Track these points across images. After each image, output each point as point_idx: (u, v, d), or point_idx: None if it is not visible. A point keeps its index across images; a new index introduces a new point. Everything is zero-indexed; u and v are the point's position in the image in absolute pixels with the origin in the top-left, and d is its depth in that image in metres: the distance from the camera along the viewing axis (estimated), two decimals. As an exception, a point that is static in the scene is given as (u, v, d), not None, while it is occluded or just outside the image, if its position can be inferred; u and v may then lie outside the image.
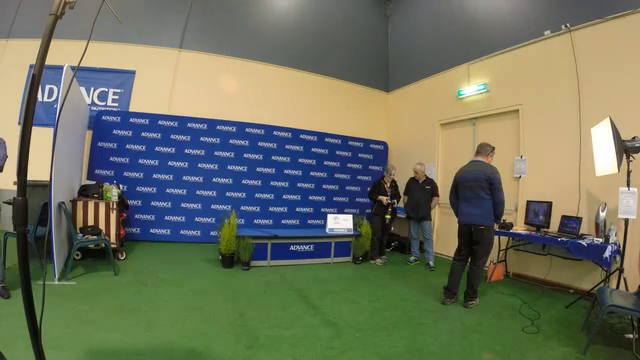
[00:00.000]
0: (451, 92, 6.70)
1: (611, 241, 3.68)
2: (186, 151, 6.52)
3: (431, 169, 7.11)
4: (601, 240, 3.74)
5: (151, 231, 6.26)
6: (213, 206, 6.60)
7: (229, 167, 6.78)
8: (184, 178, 6.49)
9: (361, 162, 8.02)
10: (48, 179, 3.53)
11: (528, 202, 4.94)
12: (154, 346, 2.49)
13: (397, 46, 8.62)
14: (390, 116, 8.74)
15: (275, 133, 7.19)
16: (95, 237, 4.24)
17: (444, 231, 6.82)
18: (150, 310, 3.14)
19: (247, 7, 7.40)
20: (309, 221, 7.35)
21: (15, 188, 1.19)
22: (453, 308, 3.74)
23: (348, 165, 7.86)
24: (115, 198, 4.83)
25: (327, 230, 5.65)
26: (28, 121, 1.17)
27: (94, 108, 6.24)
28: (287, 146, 7.28)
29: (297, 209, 7.31)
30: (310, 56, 7.93)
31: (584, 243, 3.75)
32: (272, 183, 7.11)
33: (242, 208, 6.71)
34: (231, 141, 6.82)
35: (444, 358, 2.60)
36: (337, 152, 7.78)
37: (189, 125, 6.56)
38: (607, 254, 3.54)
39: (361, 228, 5.69)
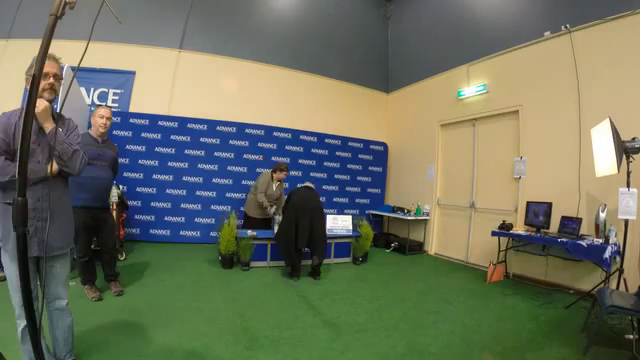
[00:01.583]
0: (451, 93, 6.71)
1: (611, 242, 3.68)
2: (186, 152, 6.51)
3: (431, 169, 7.12)
4: (601, 241, 3.74)
5: (151, 232, 6.25)
6: (213, 207, 6.59)
7: (229, 168, 6.78)
8: (184, 179, 6.49)
9: (361, 163, 8.02)
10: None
11: (528, 203, 4.94)
12: (154, 346, 2.49)
13: (397, 47, 8.63)
14: (390, 117, 8.75)
15: (275, 134, 7.19)
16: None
17: (443, 231, 6.83)
18: (150, 311, 3.14)
19: (247, 8, 7.40)
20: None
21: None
22: (453, 309, 3.74)
23: (348, 166, 7.86)
24: (115, 199, 4.83)
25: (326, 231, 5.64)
26: (28, 121, 1.17)
27: (94, 109, 6.22)
28: (287, 147, 7.28)
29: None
30: (310, 57, 7.94)
31: (584, 244, 3.75)
32: (272, 184, 7.10)
33: (242, 209, 6.69)
34: (231, 142, 6.82)
35: (444, 359, 2.60)
36: (337, 153, 7.78)
37: (189, 126, 6.56)
38: (607, 255, 3.54)
39: (361, 229, 5.68)
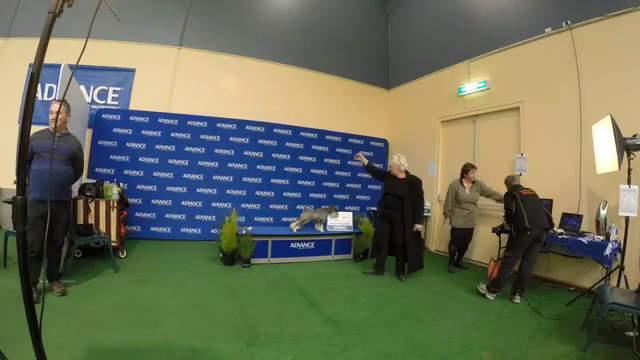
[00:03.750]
0: (451, 89, 6.69)
1: (612, 239, 3.68)
2: (186, 149, 6.51)
3: (432, 166, 7.11)
4: (602, 238, 3.74)
5: (152, 229, 6.26)
6: (213, 204, 6.60)
7: (229, 165, 6.78)
8: (184, 176, 6.49)
9: (361, 159, 8.01)
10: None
11: (529, 199, 4.93)
12: (155, 344, 2.49)
13: (397, 43, 8.59)
14: (390, 113, 8.72)
15: (275, 131, 7.18)
16: (86, 237, 4.11)
17: (444, 228, 6.83)
18: (151, 308, 3.15)
19: (247, 4, 7.37)
20: (309, 219, 7.35)
21: (15, 187, 1.19)
22: (453, 306, 3.75)
23: (348, 162, 7.85)
24: (116, 196, 4.83)
25: (327, 227, 5.65)
26: (27, 120, 1.17)
27: (94, 107, 6.23)
28: (287, 144, 7.27)
29: (298, 206, 7.31)
30: (310, 53, 7.91)
31: (585, 241, 3.75)
32: (272, 181, 7.11)
33: (242, 206, 6.71)
34: (231, 139, 6.81)
35: (444, 355, 2.60)
36: (337, 149, 7.77)
37: (189, 123, 6.55)
38: (608, 252, 3.54)
39: (362, 226, 5.68)
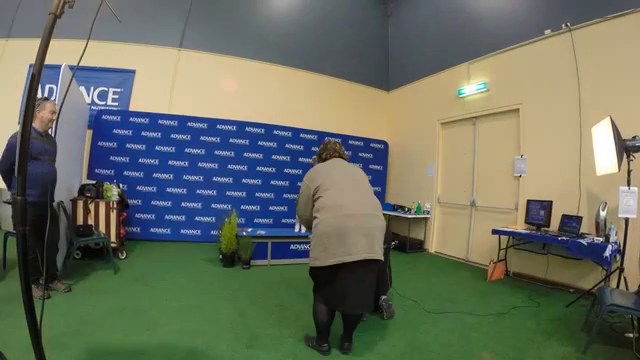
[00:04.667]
0: (451, 91, 6.70)
1: (611, 240, 3.68)
2: (186, 150, 6.52)
3: (432, 168, 7.12)
4: (601, 239, 3.74)
5: (151, 230, 6.26)
6: (213, 205, 6.59)
7: (229, 166, 6.78)
8: (184, 177, 6.49)
9: (361, 161, 8.00)
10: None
11: (528, 201, 4.94)
12: (155, 345, 2.49)
13: (397, 45, 8.61)
14: (390, 115, 8.74)
15: (275, 132, 7.19)
16: (86, 238, 4.10)
17: (444, 230, 6.83)
18: (150, 309, 3.14)
19: (247, 6, 7.39)
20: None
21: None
22: (453, 307, 3.74)
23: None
24: (115, 197, 4.83)
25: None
26: (27, 121, 1.17)
27: (94, 107, 6.24)
28: (287, 145, 7.27)
29: (297, 208, 7.31)
30: (310, 55, 7.92)
31: (584, 242, 3.75)
32: (272, 182, 7.11)
33: (242, 207, 6.71)
34: (231, 140, 6.81)
35: (444, 357, 2.60)
36: (337, 151, 7.76)
37: (189, 124, 6.55)
38: (607, 253, 3.53)
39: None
